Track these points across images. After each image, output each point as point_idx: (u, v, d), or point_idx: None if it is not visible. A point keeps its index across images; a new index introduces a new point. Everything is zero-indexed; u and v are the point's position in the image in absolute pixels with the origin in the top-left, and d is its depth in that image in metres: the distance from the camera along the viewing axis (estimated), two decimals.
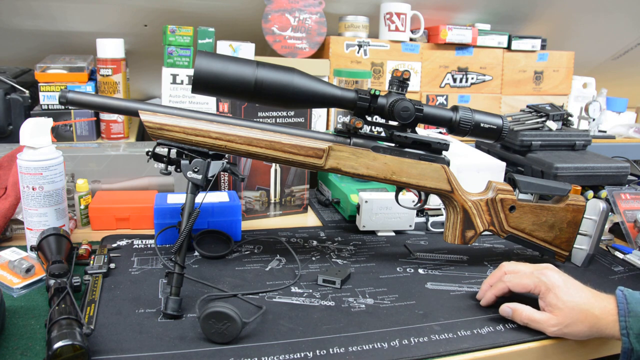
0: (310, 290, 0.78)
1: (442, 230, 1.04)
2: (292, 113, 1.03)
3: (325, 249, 0.93)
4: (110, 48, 1.22)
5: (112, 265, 0.80)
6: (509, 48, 1.60)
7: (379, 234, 1.01)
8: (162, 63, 1.21)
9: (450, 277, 0.85)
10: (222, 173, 1.02)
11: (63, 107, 1.16)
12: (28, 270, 0.76)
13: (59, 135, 1.19)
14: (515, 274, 0.74)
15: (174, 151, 0.77)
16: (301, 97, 0.74)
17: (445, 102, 1.56)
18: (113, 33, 1.28)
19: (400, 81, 0.80)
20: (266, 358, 0.61)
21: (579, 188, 1.04)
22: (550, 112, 1.28)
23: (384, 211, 1.00)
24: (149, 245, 0.90)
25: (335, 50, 1.42)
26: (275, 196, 1.07)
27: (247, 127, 0.75)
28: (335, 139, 0.80)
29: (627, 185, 1.18)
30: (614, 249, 0.98)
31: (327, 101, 0.77)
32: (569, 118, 1.31)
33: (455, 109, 0.82)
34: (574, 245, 0.90)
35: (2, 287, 0.73)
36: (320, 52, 1.44)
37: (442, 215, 1.06)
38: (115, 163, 1.04)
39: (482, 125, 0.82)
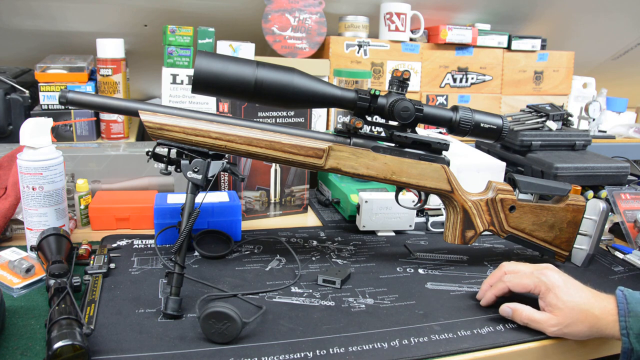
0: (310, 290, 0.78)
1: (442, 230, 1.04)
2: (292, 113, 1.03)
3: (325, 249, 0.93)
4: (110, 48, 1.22)
5: (112, 265, 0.80)
6: (509, 48, 1.60)
7: (379, 234, 1.01)
8: (162, 63, 1.21)
9: (450, 277, 0.85)
10: (222, 173, 1.03)
11: (63, 107, 1.16)
12: (28, 270, 0.76)
13: (59, 135, 1.19)
14: (515, 274, 0.74)
15: (174, 151, 0.77)
16: (301, 97, 0.74)
17: (445, 102, 1.56)
18: (113, 33, 1.28)
19: (400, 81, 0.80)
20: (266, 358, 0.61)
21: (579, 188, 1.04)
22: (550, 112, 1.28)
23: (384, 211, 1.00)
24: (149, 245, 0.90)
25: (335, 50, 1.42)
26: (275, 196, 1.07)
27: (247, 127, 0.75)
28: (335, 139, 0.80)
29: (627, 185, 1.18)
30: (614, 249, 0.98)
31: (327, 101, 0.77)
32: (569, 118, 1.31)
33: (455, 109, 0.82)
34: (574, 245, 0.90)
35: (2, 287, 0.73)
36: (320, 52, 1.44)
37: (442, 215, 1.06)
38: (115, 163, 1.04)
39: (482, 125, 0.82)
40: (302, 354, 0.62)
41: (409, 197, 0.95)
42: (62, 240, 0.78)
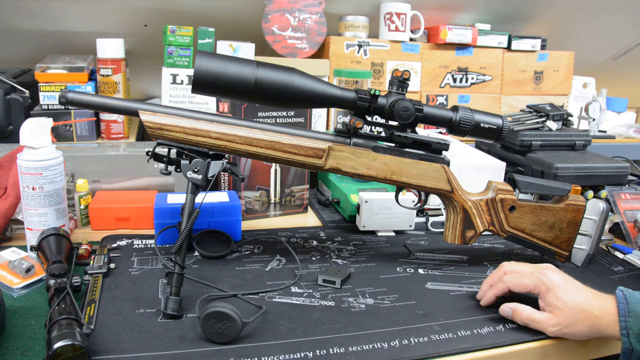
0: (310, 290, 0.78)
1: (442, 230, 1.04)
2: (292, 113, 1.03)
3: (325, 249, 0.93)
4: (110, 48, 1.22)
5: (112, 265, 0.80)
6: (509, 48, 1.60)
7: (379, 234, 1.01)
8: (162, 63, 1.21)
9: (450, 277, 0.85)
10: (222, 173, 1.03)
11: (63, 107, 1.16)
12: (28, 270, 0.76)
13: (59, 135, 1.19)
14: (515, 274, 0.74)
15: (174, 151, 0.77)
16: (301, 97, 0.74)
17: (445, 102, 1.56)
18: (113, 33, 1.28)
19: (400, 81, 0.80)
20: (266, 358, 0.61)
21: (579, 188, 1.04)
22: (550, 112, 1.28)
23: (384, 211, 1.00)
24: (149, 245, 0.90)
25: (335, 50, 1.42)
26: (275, 196, 1.07)
27: (247, 127, 0.75)
28: (335, 139, 0.80)
29: (627, 185, 1.18)
30: (614, 249, 0.98)
31: (327, 101, 0.77)
32: (569, 118, 1.31)
33: (455, 109, 0.82)
34: (574, 245, 0.90)
35: (2, 287, 0.73)
36: (320, 52, 1.44)
37: (442, 215, 1.06)
38: (115, 163, 1.04)
39: (482, 125, 0.82)
40: (302, 354, 0.62)
41: (409, 197, 0.95)
42: (62, 240, 0.78)
